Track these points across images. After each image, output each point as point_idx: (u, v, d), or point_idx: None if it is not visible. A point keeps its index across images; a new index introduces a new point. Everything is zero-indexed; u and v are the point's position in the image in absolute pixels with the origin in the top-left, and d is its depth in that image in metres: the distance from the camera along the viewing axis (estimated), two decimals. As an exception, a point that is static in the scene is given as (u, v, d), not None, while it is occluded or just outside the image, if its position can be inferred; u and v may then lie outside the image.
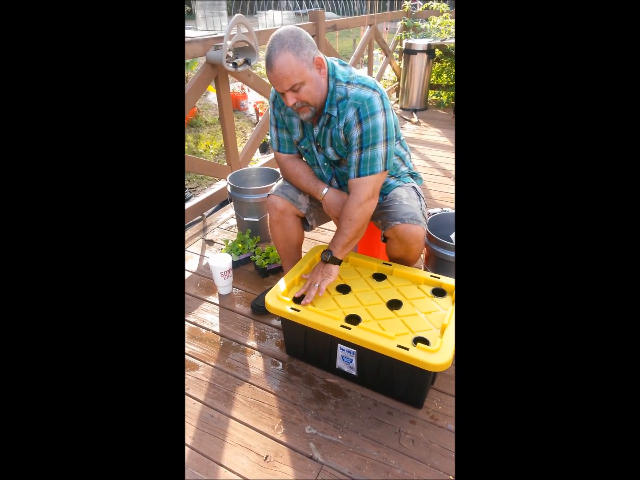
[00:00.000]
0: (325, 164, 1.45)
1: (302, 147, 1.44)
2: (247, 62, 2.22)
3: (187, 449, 1.17)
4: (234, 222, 2.38)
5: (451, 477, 1.08)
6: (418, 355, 1.09)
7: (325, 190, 1.43)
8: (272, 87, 1.41)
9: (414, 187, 1.51)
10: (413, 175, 1.58)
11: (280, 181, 1.54)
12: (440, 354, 1.09)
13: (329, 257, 1.34)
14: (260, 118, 3.17)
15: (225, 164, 2.53)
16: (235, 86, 5.67)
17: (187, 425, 1.24)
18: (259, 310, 1.66)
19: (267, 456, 1.15)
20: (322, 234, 2.24)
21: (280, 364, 1.45)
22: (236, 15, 2.07)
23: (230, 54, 2.18)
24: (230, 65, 2.14)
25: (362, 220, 1.31)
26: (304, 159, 1.51)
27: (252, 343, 1.54)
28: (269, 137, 4.77)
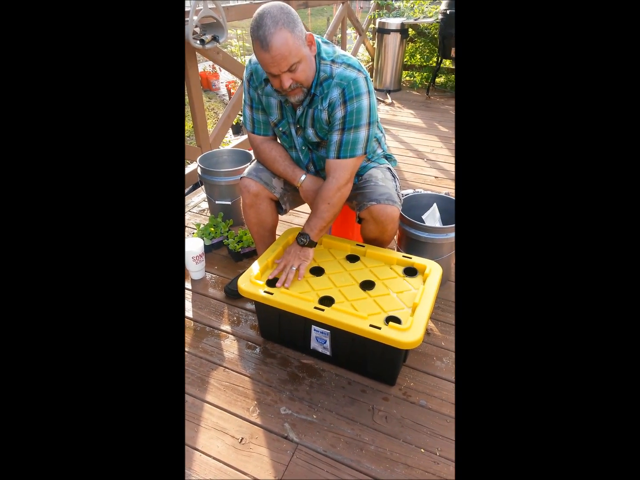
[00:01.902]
0: (304, 147, 1.41)
1: (280, 129, 1.39)
2: (215, 39, 2.14)
3: (161, 434, 1.16)
4: (205, 205, 2.33)
5: (422, 450, 1.12)
6: (389, 334, 1.11)
7: (303, 177, 1.40)
8: (248, 65, 1.35)
9: (388, 169, 1.51)
10: (387, 157, 1.58)
11: (254, 164, 1.50)
12: (411, 332, 1.11)
13: (307, 240, 1.33)
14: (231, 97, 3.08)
15: (195, 145, 2.46)
16: (206, 65, 5.49)
17: (160, 411, 1.23)
18: (233, 294, 1.65)
19: (242, 438, 1.15)
20: (296, 217, 2.22)
21: (255, 347, 1.45)
22: (202, -12, 1.98)
23: (198, 30, 2.10)
24: (197, 42, 2.05)
25: (339, 204, 1.32)
26: (281, 141, 1.46)
27: (226, 327, 1.53)
28: (242, 118, 4.63)
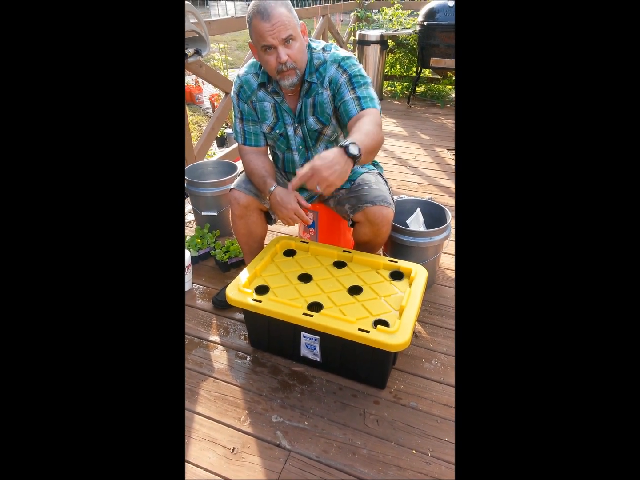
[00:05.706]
0: (301, 147, 1.44)
1: (277, 132, 1.43)
2: (197, 52, 2.16)
3: (151, 448, 1.15)
4: (192, 217, 2.32)
5: (414, 452, 1.13)
6: (378, 337, 1.12)
7: (272, 187, 1.35)
8: (237, 80, 1.40)
9: (379, 174, 1.55)
10: (374, 164, 1.62)
11: (243, 175, 1.52)
12: (399, 334, 1.13)
13: (359, 153, 1.07)
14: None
15: (180, 158, 2.46)
16: (189, 79, 5.50)
17: (150, 425, 1.21)
18: (221, 305, 1.64)
19: (234, 448, 1.14)
20: (284, 225, 2.23)
21: (245, 356, 1.44)
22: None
23: (180, 44, 2.12)
24: (180, 55, 2.07)
25: (378, 130, 1.20)
26: (277, 144, 1.49)
27: (215, 338, 1.52)
28: (226, 131, 4.61)
